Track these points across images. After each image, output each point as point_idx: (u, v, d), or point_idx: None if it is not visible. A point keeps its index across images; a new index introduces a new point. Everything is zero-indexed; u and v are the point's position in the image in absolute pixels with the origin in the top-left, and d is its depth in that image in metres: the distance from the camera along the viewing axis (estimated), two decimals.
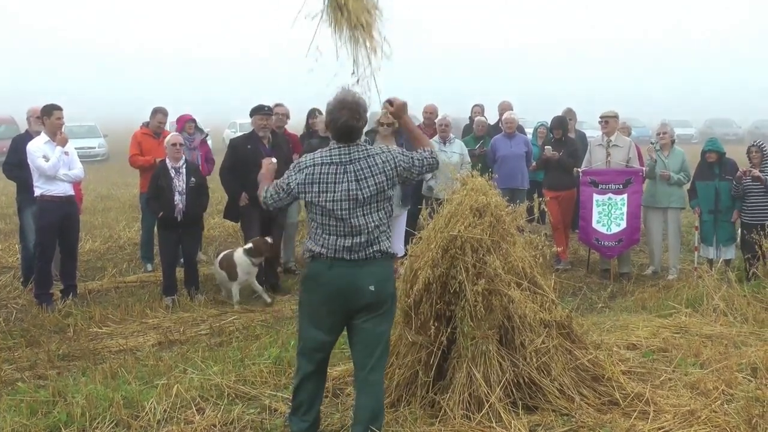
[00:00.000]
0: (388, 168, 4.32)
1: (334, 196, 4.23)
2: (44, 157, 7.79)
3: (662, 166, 9.23)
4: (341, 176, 4.24)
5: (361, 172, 4.27)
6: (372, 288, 4.25)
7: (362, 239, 4.25)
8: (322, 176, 4.26)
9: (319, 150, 4.39)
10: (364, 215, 4.26)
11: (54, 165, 7.79)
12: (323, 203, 4.25)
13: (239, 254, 8.14)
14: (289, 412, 4.68)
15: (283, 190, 4.38)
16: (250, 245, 8.15)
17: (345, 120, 4.25)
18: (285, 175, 4.38)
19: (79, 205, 9.30)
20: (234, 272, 8.11)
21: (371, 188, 4.26)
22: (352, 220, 4.23)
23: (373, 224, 4.28)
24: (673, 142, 9.55)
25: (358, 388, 4.42)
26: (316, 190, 4.26)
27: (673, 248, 9.46)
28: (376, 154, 4.33)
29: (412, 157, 4.44)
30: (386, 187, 4.33)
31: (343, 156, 4.29)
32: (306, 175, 4.30)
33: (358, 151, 4.31)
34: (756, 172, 8.64)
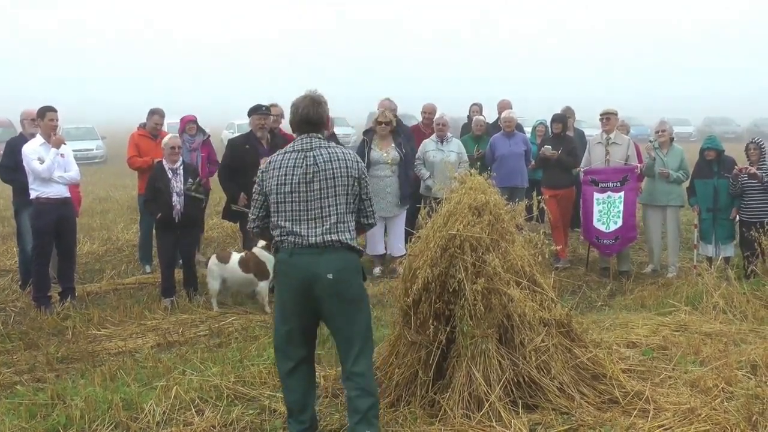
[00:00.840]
0: (351, 166, 4.39)
1: (293, 179, 4.31)
2: (39, 159, 7.77)
3: (661, 164, 9.22)
4: (301, 161, 4.33)
5: (320, 157, 4.34)
6: (330, 276, 4.24)
7: (320, 226, 4.29)
8: (283, 162, 4.36)
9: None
10: (321, 199, 4.30)
11: (49, 167, 7.76)
12: (282, 187, 4.31)
13: (263, 252, 7.98)
14: (286, 415, 4.68)
15: (255, 193, 4.50)
16: (263, 242, 8.04)
17: (305, 106, 4.41)
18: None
19: (78, 207, 9.29)
20: (265, 270, 7.97)
21: (328, 173, 4.32)
22: (309, 204, 4.30)
23: (332, 212, 4.32)
24: (672, 139, 9.55)
25: (345, 384, 4.47)
26: (276, 174, 4.34)
27: (673, 246, 9.46)
28: (339, 150, 4.44)
29: (369, 198, 4.56)
30: (346, 181, 4.36)
31: (304, 144, 4.39)
32: (270, 162, 4.42)
33: (319, 139, 4.42)
34: (752, 169, 8.63)
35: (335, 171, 4.33)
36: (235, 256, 8.12)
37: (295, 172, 4.31)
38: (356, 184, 4.41)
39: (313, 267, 4.25)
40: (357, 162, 4.45)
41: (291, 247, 4.30)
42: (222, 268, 8.04)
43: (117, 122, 50.32)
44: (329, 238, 4.28)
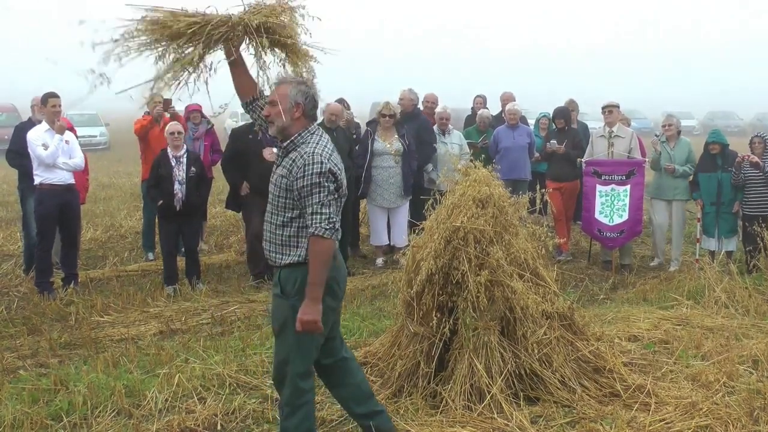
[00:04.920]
0: None
1: (347, 182, 4.06)
2: (44, 145, 7.77)
3: (667, 158, 9.22)
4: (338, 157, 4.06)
5: (337, 152, 4.08)
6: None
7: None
8: (338, 159, 4.01)
9: (323, 135, 4.04)
10: None
11: (52, 153, 7.77)
12: (343, 188, 3.98)
13: None
14: None
15: (335, 193, 3.87)
16: None
17: (315, 92, 4.05)
18: (321, 171, 3.80)
19: (85, 193, 9.31)
20: None
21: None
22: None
23: None
24: (678, 132, 9.55)
25: (345, 371, 4.31)
26: (341, 176, 3.96)
27: (676, 240, 9.45)
28: None
29: None
30: None
31: (332, 140, 4.11)
32: (335, 160, 3.94)
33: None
34: (755, 157, 8.61)
35: None
36: None
37: (343, 174, 4.02)
38: None
39: (345, 266, 4.20)
40: None
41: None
42: None
43: (120, 110, 50.18)
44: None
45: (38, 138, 7.82)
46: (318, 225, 3.74)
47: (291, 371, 3.97)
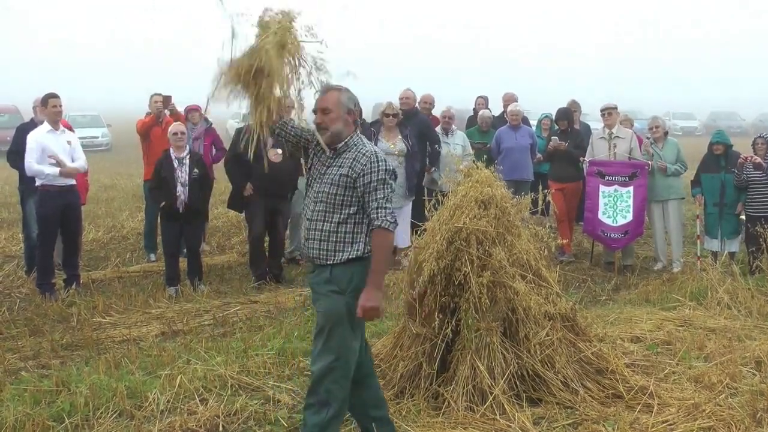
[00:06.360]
0: None
1: None
2: (37, 158, 7.75)
3: (658, 158, 9.24)
4: None
5: None
6: None
7: None
8: None
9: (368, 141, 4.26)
10: None
11: (38, 171, 7.76)
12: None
13: None
14: None
15: (393, 185, 4.12)
16: None
17: None
18: (386, 168, 4.04)
19: (85, 194, 9.29)
20: None
21: None
22: None
23: None
24: (666, 133, 9.57)
25: (368, 372, 4.39)
26: None
27: (676, 240, 9.43)
28: None
29: None
30: None
31: None
32: None
33: None
34: (757, 158, 8.61)
35: None
36: None
37: None
38: None
39: None
40: None
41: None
42: None
43: (121, 110, 50.26)
44: None
45: (35, 148, 7.78)
46: (384, 218, 3.94)
47: (337, 370, 4.01)
